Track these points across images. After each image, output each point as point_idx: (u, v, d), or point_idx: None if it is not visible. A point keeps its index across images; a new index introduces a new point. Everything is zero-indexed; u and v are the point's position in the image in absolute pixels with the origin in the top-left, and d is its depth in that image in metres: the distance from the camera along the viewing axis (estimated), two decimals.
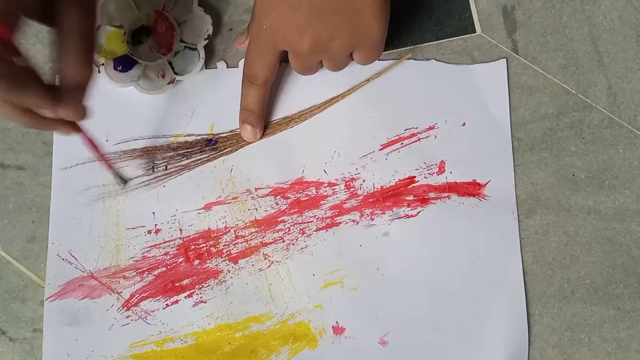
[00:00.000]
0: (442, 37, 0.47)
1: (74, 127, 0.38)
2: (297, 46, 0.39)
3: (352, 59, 0.42)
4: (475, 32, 0.47)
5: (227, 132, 0.46)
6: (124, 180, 0.45)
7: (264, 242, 0.45)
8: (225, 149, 0.46)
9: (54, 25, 0.35)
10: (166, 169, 0.46)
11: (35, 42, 0.47)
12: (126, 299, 0.45)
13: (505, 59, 0.47)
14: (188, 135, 0.46)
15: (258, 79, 0.42)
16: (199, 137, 0.46)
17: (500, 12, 0.47)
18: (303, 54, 0.40)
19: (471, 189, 0.46)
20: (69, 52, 0.34)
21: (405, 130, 0.46)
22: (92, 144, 0.41)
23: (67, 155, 0.46)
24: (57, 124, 0.36)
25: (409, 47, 0.47)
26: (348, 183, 0.46)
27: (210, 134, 0.46)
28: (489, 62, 0.47)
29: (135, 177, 0.46)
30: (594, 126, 0.46)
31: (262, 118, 0.45)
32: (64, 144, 0.46)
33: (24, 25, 0.34)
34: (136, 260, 0.45)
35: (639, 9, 0.47)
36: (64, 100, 0.35)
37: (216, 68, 0.47)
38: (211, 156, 0.46)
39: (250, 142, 0.46)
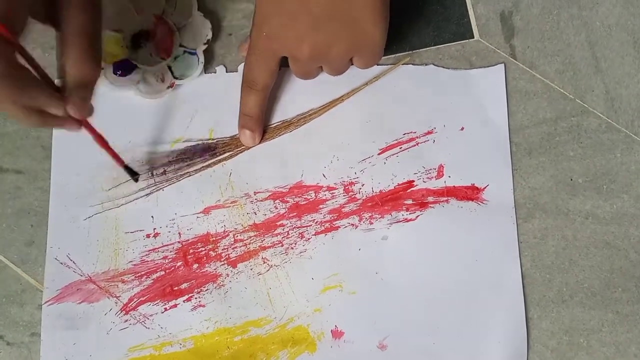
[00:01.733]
0: (440, 42, 0.47)
1: (82, 124, 0.38)
2: (297, 53, 0.40)
3: (352, 64, 0.42)
4: (473, 37, 0.47)
5: (226, 137, 0.46)
6: (134, 175, 0.45)
7: (262, 246, 0.45)
8: (225, 153, 0.46)
9: (58, 26, 0.35)
10: (165, 174, 0.46)
11: (35, 47, 0.47)
12: (124, 303, 0.44)
13: (503, 64, 0.47)
14: (187, 139, 0.46)
15: (257, 84, 0.43)
16: (198, 143, 0.46)
17: (498, 17, 0.48)
18: (303, 61, 0.40)
19: (470, 193, 0.46)
20: (73, 50, 0.35)
21: (404, 134, 0.46)
22: (101, 140, 0.41)
23: (65, 160, 0.46)
24: (64, 121, 0.37)
25: (408, 53, 0.47)
26: (347, 187, 0.46)
27: (210, 139, 0.46)
28: (487, 67, 0.47)
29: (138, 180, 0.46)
30: (592, 131, 0.46)
31: (261, 123, 0.45)
32: (63, 148, 0.46)
33: (29, 26, 0.34)
34: (135, 264, 0.45)
35: (635, 15, 0.47)
36: (70, 98, 0.35)
37: (215, 72, 0.47)
38: (210, 162, 0.46)
39: (250, 147, 0.46)
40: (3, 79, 0.32)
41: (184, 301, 0.44)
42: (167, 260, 0.45)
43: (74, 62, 0.35)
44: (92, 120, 0.38)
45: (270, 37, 0.39)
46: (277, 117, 0.47)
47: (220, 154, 0.46)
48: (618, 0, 0.47)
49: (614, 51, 0.47)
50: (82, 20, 0.35)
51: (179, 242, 0.45)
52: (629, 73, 0.47)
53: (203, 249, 0.45)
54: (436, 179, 0.46)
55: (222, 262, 0.45)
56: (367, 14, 0.38)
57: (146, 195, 0.45)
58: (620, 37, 0.47)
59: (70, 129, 0.37)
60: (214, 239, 0.45)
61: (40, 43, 0.47)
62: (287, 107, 0.47)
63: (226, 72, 0.47)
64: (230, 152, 0.46)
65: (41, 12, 0.35)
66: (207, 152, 0.46)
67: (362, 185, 0.46)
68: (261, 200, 0.46)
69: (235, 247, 0.45)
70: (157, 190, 0.46)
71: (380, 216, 0.45)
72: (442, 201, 0.46)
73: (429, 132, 0.46)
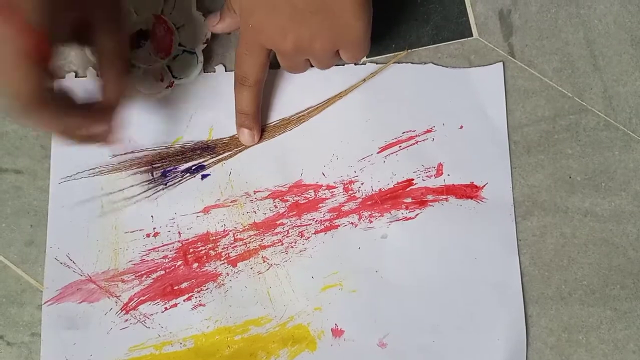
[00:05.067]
0: (439, 41, 0.47)
1: (111, 140, 0.40)
2: (281, 46, 0.40)
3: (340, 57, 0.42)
4: (472, 36, 0.48)
5: (225, 136, 0.46)
6: (158, 176, 0.45)
7: (262, 245, 0.45)
8: (224, 152, 0.46)
9: (88, 48, 0.38)
10: (164, 174, 0.46)
11: None
12: (125, 302, 0.44)
13: (501, 63, 0.47)
14: (187, 139, 0.46)
15: (249, 79, 0.43)
16: (197, 142, 0.46)
17: (496, 16, 0.48)
18: (288, 54, 0.41)
19: (469, 192, 0.46)
20: (111, 71, 0.38)
21: (403, 133, 0.46)
22: (127, 151, 0.43)
23: (65, 159, 0.46)
24: (94, 139, 0.39)
25: (407, 51, 0.47)
26: (346, 186, 0.46)
27: (209, 138, 0.46)
28: (486, 65, 0.47)
29: (135, 185, 0.46)
30: (590, 129, 0.47)
31: (258, 120, 0.45)
32: (62, 148, 0.46)
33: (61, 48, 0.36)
34: (135, 264, 0.45)
35: (633, 13, 0.48)
36: (100, 118, 0.38)
37: (214, 72, 0.47)
38: (210, 161, 0.46)
39: (249, 146, 0.46)
40: (40, 107, 0.33)
41: (184, 300, 0.45)
42: (167, 260, 0.45)
43: (114, 81, 0.38)
44: None
45: (256, 30, 0.40)
46: (276, 116, 0.47)
47: (220, 153, 0.46)
48: None
49: (612, 49, 0.47)
50: (116, 43, 0.38)
51: (179, 241, 0.45)
52: (626, 71, 0.47)
53: (203, 248, 0.45)
54: (435, 177, 0.46)
55: (222, 261, 0.45)
56: (349, 8, 0.38)
57: (146, 194, 0.45)
58: (618, 35, 0.47)
59: (99, 146, 0.39)
60: (214, 238, 0.45)
61: None
62: (285, 105, 0.47)
63: (225, 71, 0.47)
64: (230, 152, 0.46)
65: (73, 35, 0.36)
66: (206, 151, 0.46)
67: (362, 183, 0.46)
68: (261, 199, 0.46)
69: (235, 246, 0.45)
70: (156, 190, 0.46)
71: (379, 215, 0.45)
72: (442, 199, 0.46)
73: (428, 131, 0.46)
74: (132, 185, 0.46)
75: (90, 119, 0.37)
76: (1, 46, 0.31)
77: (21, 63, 0.32)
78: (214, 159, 0.46)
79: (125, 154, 0.46)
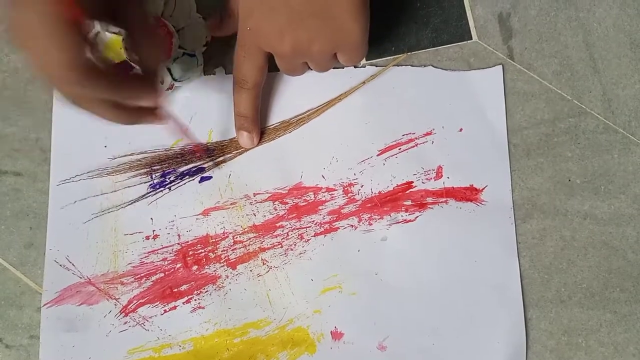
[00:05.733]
0: (438, 44, 0.47)
1: (163, 115, 0.39)
2: (279, 49, 0.40)
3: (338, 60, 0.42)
4: (471, 39, 0.48)
5: (225, 139, 0.46)
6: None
7: (262, 247, 0.45)
8: (224, 155, 0.46)
9: (120, 23, 0.37)
10: (164, 176, 0.46)
11: None
12: (124, 305, 0.44)
13: (501, 66, 0.47)
14: (186, 142, 0.46)
15: (247, 82, 0.43)
16: (196, 145, 0.46)
17: (496, 19, 0.48)
18: (285, 56, 0.41)
19: (468, 194, 0.46)
20: (141, 41, 0.37)
21: (403, 135, 0.46)
22: (181, 129, 0.43)
23: (65, 162, 0.46)
24: (147, 114, 0.38)
25: (406, 54, 0.47)
26: (346, 188, 0.46)
27: (209, 141, 0.46)
28: (485, 68, 0.47)
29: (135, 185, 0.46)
30: (589, 132, 0.47)
31: (257, 123, 0.45)
32: (62, 150, 0.46)
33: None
34: (134, 266, 0.45)
35: (632, 16, 0.48)
36: (147, 87, 0.37)
37: (215, 74, 0.47)
38: (209, 164, 0.46)
39: (249, 149, 0.46)
40: (90, 76, 0.33)
41: (183, 303, 0.44)
42: (166, 262, 0.45)
43: (149, 49, 0.37)
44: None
45: (254, 32, 0.40)
46: (276, 118, 0.47)
47: (220, 156, 0.46)
48: (615, 2, 0.48)
49: (611, 52, 0.47)
50: (144, 11, 0.37)
51: (178, 243, 0.45)
52: (625, 74, 0.47)
53: (202, 250, 0.45)
54: (435, 180, 0.46)
55: (222, 264, 0.45)
56: (347, 11, 0.38)
57: (145, 197, 0.45)
58: (617, 38, 0.47)
59: (152, 123, 0.39)
60: (214, 240, 0.45)
61: None
62: (285, 108, 0.47)
63: (225, 73, 0.47)
64: (230, 154, 0.46)
65: (105, 12, 0.36)
66: (206, 154, 0.46)
67: (362, 186, 0.46)
68: (260, 202, 0.46)
69: (235, 249, 0.45)
70: (156, 193, 0.46)
71: (379, 217, 0.45)
72: (441, 202, 0.46)
73: (428, 133, 0.46)
74: (131, 187, 0.46)
75: (138, 89, 0.36)
76: (36, 12, 0.30)
77: (59, 29, 0.31)
78: (214, 162, 0.46)
79: (124, 156, 0.46)
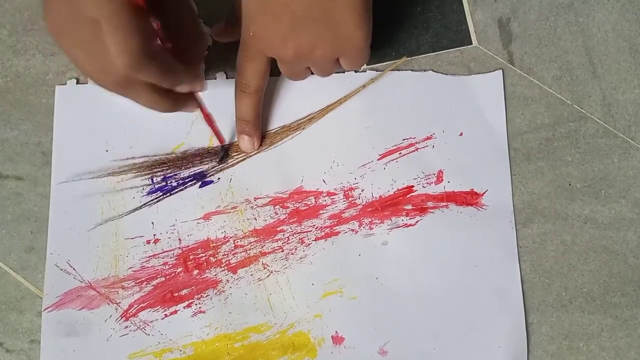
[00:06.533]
0: (439, 49, 0.48)
1: (196, 103, 0.42)
2: (282, 54, 0.40)
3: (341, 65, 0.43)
4: (471, 43, 0.48)
5: (226, 144, 0.46)
6: (225, 157, 0.46)
7: (263, 251, 0.45)
8: (237, 155, 0.46)
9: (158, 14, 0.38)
10: (165, 180, 0.46)
11: (35, 53, 0.47)
12: (125, 309, 0.44)
13: (501, 70, 0.47)
14: (187, 146, 0.46)
15: (250, 87, 0.43)
16: (198, 149, 0.46)
17: (496, 24, 0.48)
18: (288, 61, 0.41)
19: (469, 199, 0.46)
20: (192, 29, 0.40)
21: (403, 140, 0.47)
22: (209, 119, 0.44)
23: (66, 165, 0.46)
24: (184, 100, 0.40)
25: (405, 59, 0.47)
26: (347, 192, 0.46)
27: (210, 145, 0.46)
28: (485, 73, 0.47)
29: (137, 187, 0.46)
30: (589, 136, 0.47)
31: (258, 127, 0.45)
32: (63, 154, 0.46)
33: None
34: (135, 271, 0.45)
35: (631, 21, 0.48)
36: (194, 72, 0.40)
37: (216, 79, 0.47)
38: (210, 169, 0.46)
39: (250, 153, 0.46)
40: (150, 61, 0.34)
41: (184, 307, 0.44)
42: (167, 266, 0.45)
43: (195, 37, 0.40)
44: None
45: (257, 37, 0.40)
46: (277, 123, 0.47)
47: (233, 156, 0.46)
48: (614, 7, 0.48)
49: (610, 57, 0.48)
50: (193, 7, 0.40)
51: (179, 248, 0.45)
52: (625, 79, 0.47)
53: (203, 254, 0.45)
54: (435, 184, 0.46)
55: (223, 268, 0.45)
56: (349, 17, 0.38)
57: (146, 201, 0.45)
58: (617, 43, 0.48)
59: (189, 110, 0.42)
60: (214, 244, 0.45)
61: (41, 49, 0.47)
62: (286, 112, 0.47)
63: (226, 78, 0.47)
64: (231, 158, 0.46)
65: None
66: (207, 158, 0.46)
67: (362, 190, 0.46)
68: (261, 206, 0.46)
69: (236, 253, 0.45)
70: (157, 197, 0.46)
71: (380, 221, 0.45)
72: (442, 206, 0.46)
73: (428, 138, 0.47)
74: (132, 189, 0.46)
75: (185, 76, 0.38)
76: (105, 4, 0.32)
77: (129, 15, 0.32)
78: (215, 166, 0.46)
79: (126, 159, 0.46)
